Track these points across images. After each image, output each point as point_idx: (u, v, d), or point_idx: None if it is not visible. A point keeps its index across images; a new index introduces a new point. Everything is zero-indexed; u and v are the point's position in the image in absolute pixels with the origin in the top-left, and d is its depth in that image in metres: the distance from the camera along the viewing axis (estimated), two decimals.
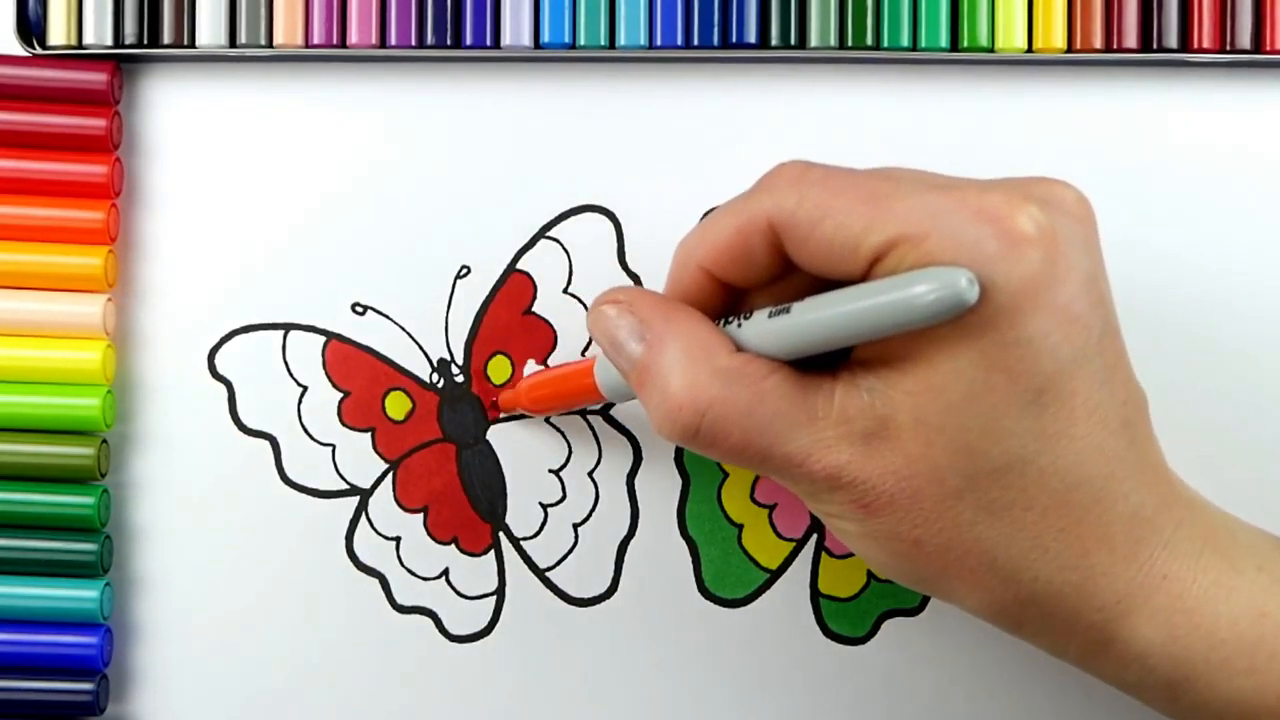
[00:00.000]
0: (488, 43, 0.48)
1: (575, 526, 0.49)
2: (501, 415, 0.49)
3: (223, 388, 0.49)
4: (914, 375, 0.37)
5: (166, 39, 0.48)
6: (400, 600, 0.49)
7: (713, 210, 0.40)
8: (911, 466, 0.37)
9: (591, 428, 0.49)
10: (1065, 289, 0.36)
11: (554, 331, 0.49)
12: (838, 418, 0.37)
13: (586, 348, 0.49)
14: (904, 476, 0.37)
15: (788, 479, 0.38)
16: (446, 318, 0.49)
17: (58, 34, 0.48)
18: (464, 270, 0.49)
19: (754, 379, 0.38)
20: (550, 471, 0.49)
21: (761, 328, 0.38)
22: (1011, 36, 0.47)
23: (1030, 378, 0.36)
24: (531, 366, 0.49)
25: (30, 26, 0.48)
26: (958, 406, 0.36)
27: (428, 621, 0.49)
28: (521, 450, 0.49)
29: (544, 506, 0.49)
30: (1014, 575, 0.38)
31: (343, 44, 0.48)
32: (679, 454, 0.49)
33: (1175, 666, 0.38)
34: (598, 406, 0.49)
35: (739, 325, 0.39)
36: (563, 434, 0.49)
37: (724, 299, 0.41)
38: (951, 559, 0.38)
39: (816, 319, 0.37)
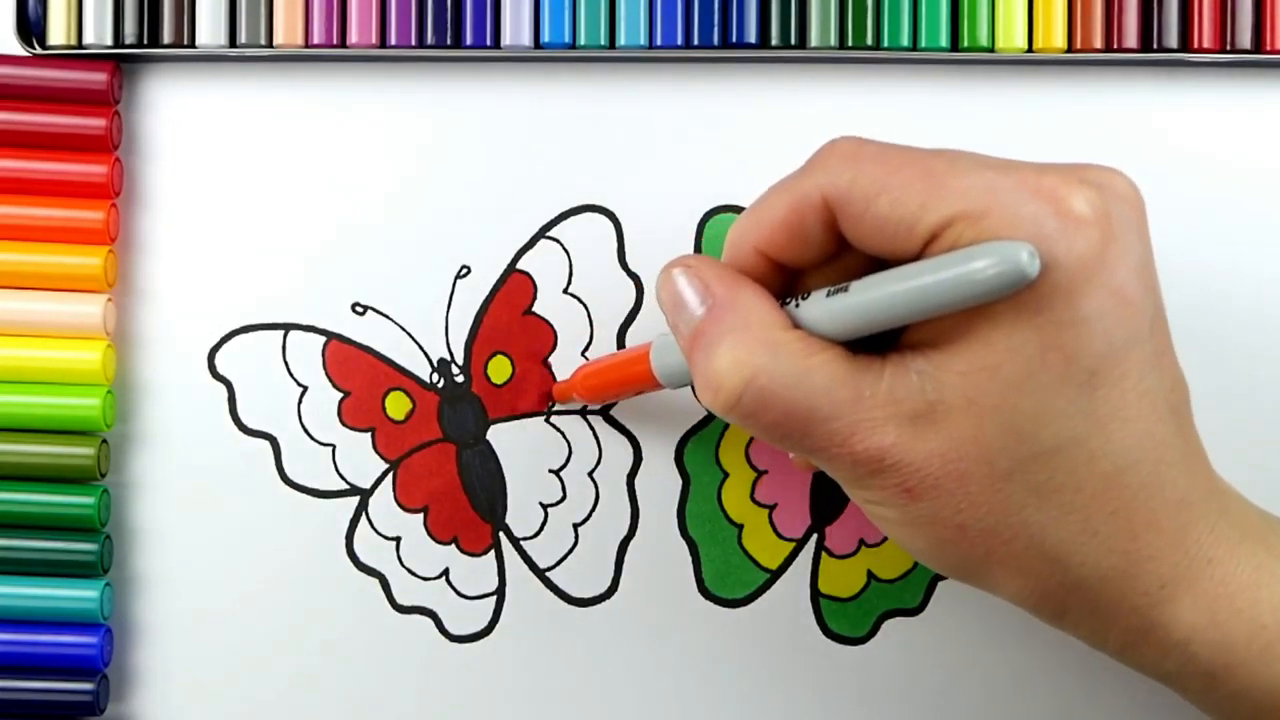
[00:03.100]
0: (488, 43, 0.48)
1: (575, 526, 0.49)
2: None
3: (223, 388, 0.49)
4: (966, 356, 0.36)
5: (166, 39, 0.48)
6: (400, 600, 0.49)
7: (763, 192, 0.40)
8: (960, 449, 0.37)
9: (591, 428, 0.49)
10: (1120, 271, 0.36)
11: (554, 331, 0.49)
12: (885, 399, 0.37)
13: (586, 348, 0.49)
14: (951, 459, 0.37)
15: (829, 460, 0.38)
16: (446, 318, 0.49)
17: (58, 34, 0.48)
18: (464, 270, 0.49)
19: (802, 354, 0.38)
20: (550, 471, 0.49)
21: (819, 307, 0.38)
22: (1011, 36, 0.47)
23: (1085, 358, 0.36)
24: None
25: (30, 26, 0.48)
26: (1012, 386, 0.36)
27: (428, 621, 0.49)
28: (521, 450, 0.49)
29: (544, 506, 0.49)
30: (1062, 559, 0.38)
31: (343, 44, 0.48)
32: (679, 454, 0.49)
33: (1216, 653, 0.38)
34: (597, 406, 0.49)
35: (797, 305, 0.39)
36: (563, 434, 0.49)
37: (779, 282, 0.40)
38: (997, 544, 0.38)
39: (876, 296, 0.37)
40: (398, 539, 0.49)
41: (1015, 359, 0.36)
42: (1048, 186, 0.36)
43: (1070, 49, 0.47)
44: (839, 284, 0.38)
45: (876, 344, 0.38)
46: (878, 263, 0.38)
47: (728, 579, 0.49)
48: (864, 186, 0.37)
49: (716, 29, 0.47)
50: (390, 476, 0.49)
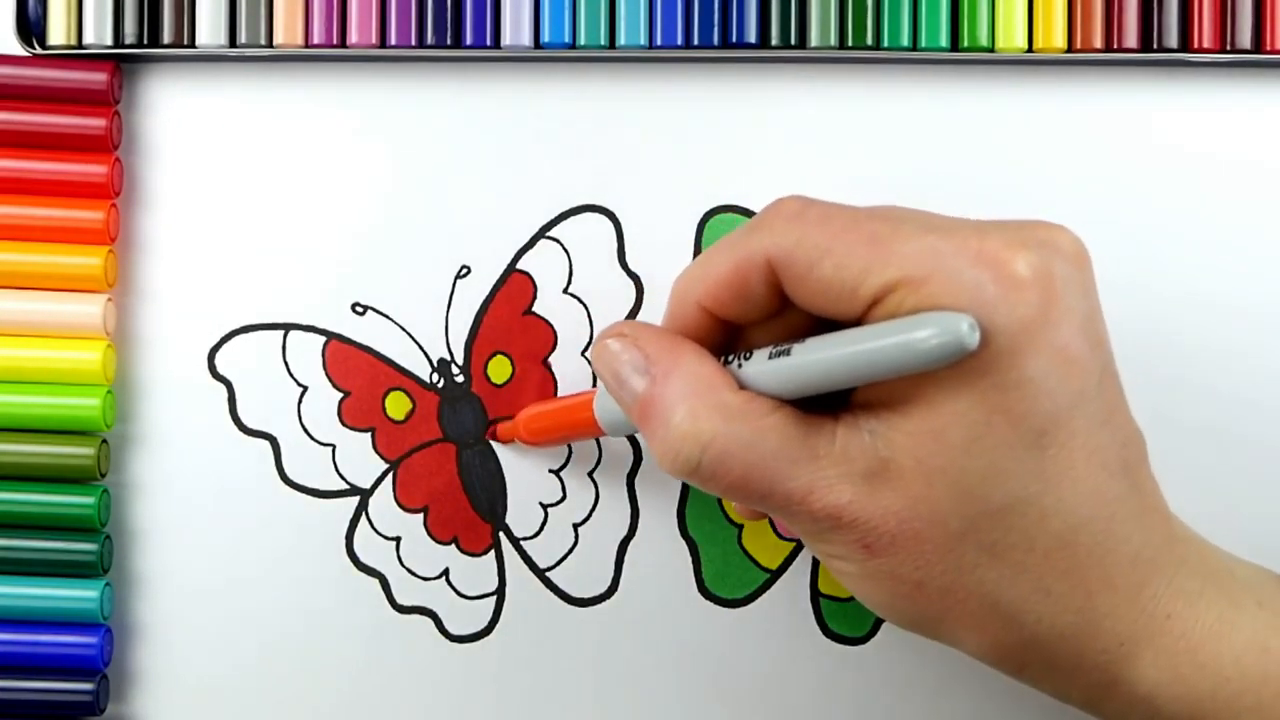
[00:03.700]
0: (488, 43, 0.48)
1: (575, 526, 0.49)
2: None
3: (223, 388, 0.49)
4: (915, 417, 0.36)
5: (166, 39, 0.48)
6: (400, 600, 0.49)
7: (709, 248, 0.40)
8: (913, 508, 0.37)
9: None
10: (1063, 331, 0.36)
11: (554, 331, 0.49)
12: (839, 457, 0.37)
13: (586, 348, 0.49)
14: (905, 518, 0.37)
15: (789, 517, 0.38)
16: (446, 318, 0.49)
17: (58, 34, 0.48)
18: (464, 270, 0.49)
19: (756, 415, 0.38)
20: (550, 471, 0.49)
21: (762, 368, 0.38)
22: (1011, 36, 0.47)
23: (1031, 419, 0.36)
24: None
25: (30, 26, 0.48)
26: (959, 449, 0.36)
27: (428, 621, 0.49)
28: (522, 450, 0.49)
29: (544, 506, 0.49)
30: (1017, 618, 0.38)
31: (343, 44, 0.48)
32: None
33: (1182, 707, 0.38)
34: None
35: (739, 365, 0.39)
36: None
37: (721, 335, 0.41)
38: (953, 602, 0.38)
39: (817, 360, 0.37)
40: (398, 539, 0.49)
41: (961, 423, 0.36)
42: (989, 251, 0.36)
43: (1070, 49, 0.47)
44: (781, 343, 0.38)
45: (829, 400, 0.38)
46: (820, 321, 0.38)
47: (728, 579, 0.49)
48: (808, 249, 0.37)
49: (716, 29, 0.47)
50: (390, 476, 0.49)
